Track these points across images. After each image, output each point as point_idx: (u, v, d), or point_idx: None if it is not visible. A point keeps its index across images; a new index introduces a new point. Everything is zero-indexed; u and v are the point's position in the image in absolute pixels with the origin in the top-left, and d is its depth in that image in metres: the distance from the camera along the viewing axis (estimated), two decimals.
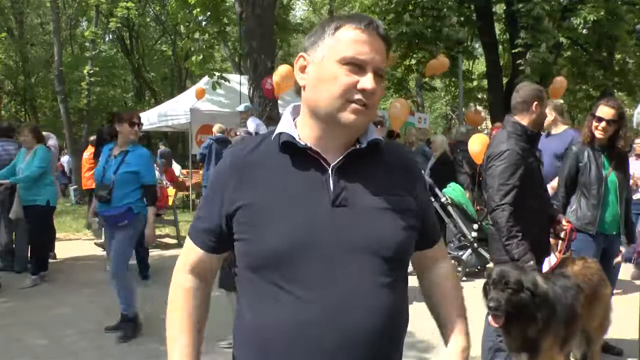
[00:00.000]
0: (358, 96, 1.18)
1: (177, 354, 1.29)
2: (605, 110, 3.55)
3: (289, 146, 1.24)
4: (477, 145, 6.64)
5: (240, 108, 8.40)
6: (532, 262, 2.89)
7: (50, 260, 7.10)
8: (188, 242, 1.37)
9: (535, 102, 3.15)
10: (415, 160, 1.43)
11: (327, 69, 1.20)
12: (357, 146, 1.25)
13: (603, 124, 3.54)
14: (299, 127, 1.27)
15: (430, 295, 1.41)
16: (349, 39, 1.19)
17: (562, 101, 5.54)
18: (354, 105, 1.18)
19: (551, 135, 5.06)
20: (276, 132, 1.28)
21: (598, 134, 3.58)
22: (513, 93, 3.29)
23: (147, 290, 5.47)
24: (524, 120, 3.16)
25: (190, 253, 1.37)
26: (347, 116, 1.19)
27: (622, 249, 3.66)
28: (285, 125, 1.27)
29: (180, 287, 1.36)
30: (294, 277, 1.17)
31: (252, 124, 7.31)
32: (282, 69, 8.67)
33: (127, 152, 4.40)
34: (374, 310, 1.18)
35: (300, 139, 1.24)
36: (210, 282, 1.40)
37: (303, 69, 1.26)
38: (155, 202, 4.65)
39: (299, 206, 1.20)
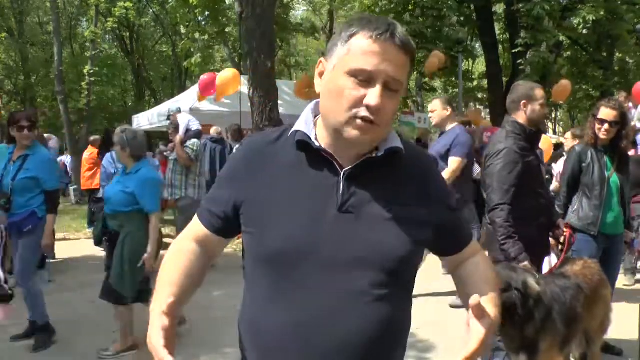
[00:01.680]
0: (364, 113, 1.12)
1: (158, 306, 1.16)
2: (607, 112, 3.55)
3: (304, 145, 1.22)
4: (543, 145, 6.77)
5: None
6: (527, 262, 2.90)
7: (50, 261, 7.10)
8: (195, 220, 1.36)
9: (524, 101, 3.16)
10: (437, 168, 1.36)
11: (336, 80, 1.15)
12: (374, 154, 1.21)
13: (606, 126, 3.54)
14: (318, 127, 1.25)
15: (462, 280, 1.36)
16: (360, 50, 1.12)
17: (446, 96, 5.51)
18: (359, 122, 1.13)
19: (444, 133, 5.03)
20: (293, 128, 1.26)
21: (602, 136, 3.58)
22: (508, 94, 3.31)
23: None
24: (520, 119, 3.17)
25: (195, 229, 1.35)
26: (351, 132, 1.14)
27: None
28: (302, 124, 1.25)
29: (177, 248, 1.33)
30: (293, 278, 1.17)
31: (184, 120, 7.21)
32: (226, 73, 8.67)
33: (27, 156, 4.10)
34: (367, 319, 1.16)
35: (317, 138, 1.22)
36: (212, 257, 1.36)
37: (321, 75, 1.23)
38: (56, 209, 4.33)
39: (305, 208, 1.18)
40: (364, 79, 1.12)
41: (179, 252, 1.32)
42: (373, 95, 1.12)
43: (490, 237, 3.24)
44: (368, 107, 1.12)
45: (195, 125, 7.19)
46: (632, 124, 5.48)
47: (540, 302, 2.64)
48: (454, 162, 4.86)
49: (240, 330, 1.31)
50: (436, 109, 5.10)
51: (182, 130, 6.68)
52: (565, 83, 10.34)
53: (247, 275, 1.29)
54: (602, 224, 3.61)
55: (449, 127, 4.97)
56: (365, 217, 1.18)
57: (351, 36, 1.15)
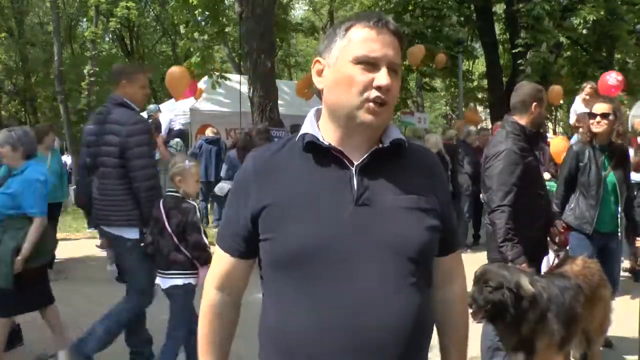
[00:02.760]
0: (375, 94, 1.18)
1: None
2: (598, 106, 3.62)
3: (313, 146, 1.24)
4: (558, 146, 6.77)
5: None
6: (524, 265, 2.89)
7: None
8: (217, 250, 1.37)
9: (535, 103, 3.14)
10: (439, 161, 1.41)
11: (343, 70, 1.21)
12: (381, 145, 1.25)
13: (597, 118, 3.58)
14: (321, 129, 1.27)
15: (438, 316, 1.39)
16: (360, 38, 1.20)
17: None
18: (371, 106, 1.19)
19: None
20: (300, 133, 1.28)
21: (594, 129, 3.61)
22: (512, 93, 3.28)
23: None
24: (523, 120, 3.16)
25: (219, 262, 1.37)
26: (365, 116, 1.19)
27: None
28: (308, 127, 1.27)
29: (207, 305, 1.38)
30: (316, 277, 1.17)
31: (165, 119, 7.18)
32: (174, 70, 8.62)
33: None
34: (398, 312, 1.16)
35: (323, 139, 1.24)
36: (239, 292, 1.40)
37: (320, 73, 1.27)
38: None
39: (321, 205, 1.19)
40: (369, 64, 1.19)
41: (213, 312, 1.37)
42: (382, 77, 1.19)
43: (489, 237, 3.24)
44: (379, 88, 1.19)
45: (177, 125, 7.21)
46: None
47: (535, 303, 2.64)
48: None
49: (260, 337, 1.30)
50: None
51: (164, 129, 6.70)
52: (557, 89, 10.42)
53: (267, 282, 1.28)
54: (598, 222, 3.64)
55: None
56: (381, 208, 1.20)
57: (348, 29, 1.23)
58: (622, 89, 8.53)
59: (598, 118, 3.58)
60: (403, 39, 1.26)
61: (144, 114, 12.27)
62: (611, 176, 3.66)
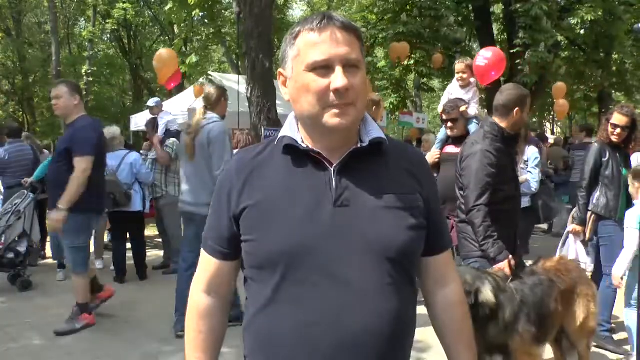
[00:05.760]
0: (333, 98, 1.16)
1: None
2: (619, 118, 4.05)
3: (292, 149, 1.24)
4: None
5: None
6: (506, 262, 2.88)
7: (45, 261, 7.12)
8: (202, 253, 1.38)
9: (517, 109, 3.12)
10: (424, 158, 1.41)
11: (299, 80, 1.20)
12: (359, 145, 1.24)
13: (618, 130, 4.05)
14: (301, 131, 1.27)
15: (439, 322, 1.38)
16: (307, 44, 1.18)
17: (73, 82, 4.65)
18: (333, 110, 1.17)
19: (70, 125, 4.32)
20: (279, 135, 1.28)
21: (614, 139, 4.08)
22: (497, 94, 3.26)
23: (146, 290, 5.48)
24: (503, 122, 3.15)
25: (205, 265, 1.37)
26: (331, 120, 1.18)
27: None
28: (288, 129, 1.28)
29: (195, 309, 1.37)
30: (296, 277, 1.18)
31: (163, 120, 7.22)
32: (162, 53, 8.77)
33: None
34: (376, 312, 1.17)
35: (303, 141, 1.24)
36: (226, 295, 1.39)
37: (285, 84, 1.27)
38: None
39: (301, 207, 1.19)
40: (322, 69, 1.17)
41: (202, 315, 1.36)
42: (337, 78, 1.15)
43: (459, 236, 3.24)
44: (337, 91, 1.15)
45: (175, 126, 7.31)
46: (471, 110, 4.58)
47: (500, 309, 2.61)
48: (80, 162, 4.04)
49: (245, 340, 1.31)
50: (62, 95, 4.26)
51: (160, 130, 6.76)
52: (560, 86, 10.40)
53: (250, 284, 1.29)
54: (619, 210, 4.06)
55: (74, 117, 4.28)
56: (361, 209, 1.20)
57: (296, 37, 1.21)
58: (503, 68, 7.39)
59: (618, 130, 4.03)
60: (357, 31, 1.22)
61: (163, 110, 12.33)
62: (624, 171, 4.10)
